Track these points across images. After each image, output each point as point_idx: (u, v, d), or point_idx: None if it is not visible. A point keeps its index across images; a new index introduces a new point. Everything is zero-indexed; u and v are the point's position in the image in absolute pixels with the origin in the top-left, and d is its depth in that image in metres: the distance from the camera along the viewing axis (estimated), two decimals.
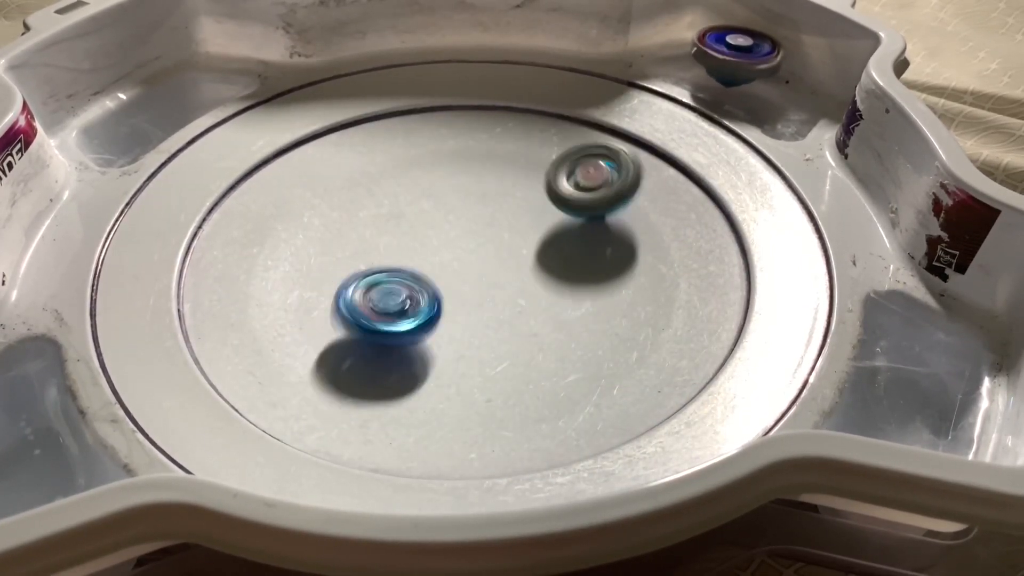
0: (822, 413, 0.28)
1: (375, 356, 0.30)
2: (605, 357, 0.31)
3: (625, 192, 0.34)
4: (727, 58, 0.41)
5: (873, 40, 0.38)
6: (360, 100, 0.41)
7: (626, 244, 0.35)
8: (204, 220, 0.35)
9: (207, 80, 0.42)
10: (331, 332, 0.31)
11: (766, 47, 0.42)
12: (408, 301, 0.30)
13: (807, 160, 0.38)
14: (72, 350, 0.29)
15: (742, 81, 0.42)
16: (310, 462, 0.27)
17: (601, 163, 0.35)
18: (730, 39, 0.42)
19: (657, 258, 0.34)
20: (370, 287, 0.30)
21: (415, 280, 0.31)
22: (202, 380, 0.29)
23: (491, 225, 0.36)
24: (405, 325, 0.29)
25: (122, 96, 0.40)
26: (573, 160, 0.35)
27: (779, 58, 0.41)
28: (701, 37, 0.42)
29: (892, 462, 0.22)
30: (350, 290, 0.30)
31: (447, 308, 0.32)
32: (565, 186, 0.35)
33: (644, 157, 0.39)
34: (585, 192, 0.34)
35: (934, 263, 0.32)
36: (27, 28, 0.37)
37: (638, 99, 0.42)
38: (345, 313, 0.29)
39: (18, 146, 0.33)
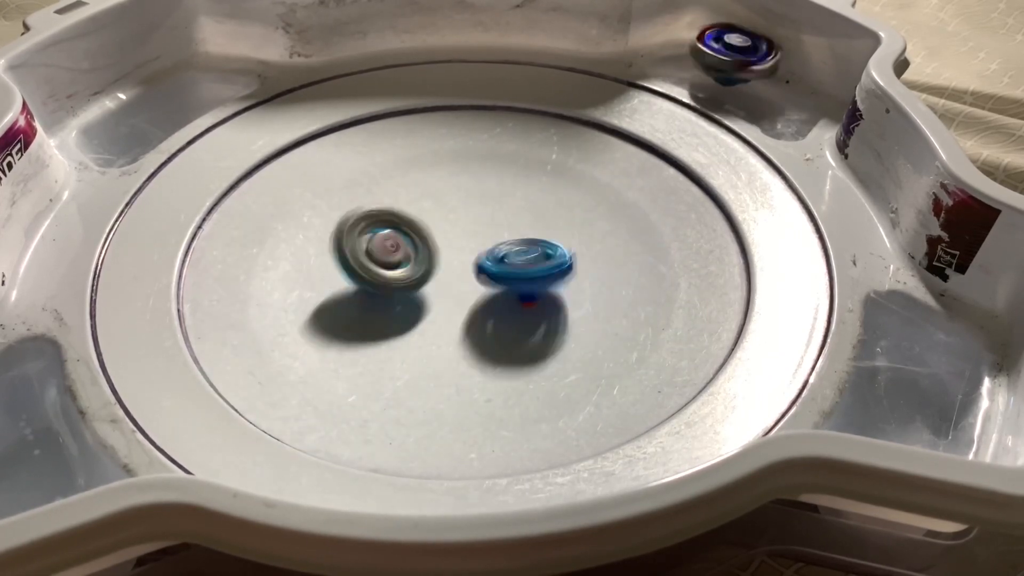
0: (822, 413, 0.28)
1: (377, 353, 0.30)
2: (605, 357, 0.30)
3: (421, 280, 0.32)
4: (717, 55, 0.41)
5: (873, 40, 0.38)
6: (360, 100, 0.41)
7: (626, 244, 0.35)
8: (204, 220, 0.35)
9: (207, 80, 0.42)
10: (332, 331, 0.31)
11: (763, 48, 0.42)
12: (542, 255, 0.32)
13: (807, 160, 0.38)
14: (72, 350, 0.29)
15: (737, 81, 0.42)
16: (310, 462, 0.27)
17: (398, 236, 0.32)
18: (728, 38, 0.42)
19: (657, 258, 0.34)
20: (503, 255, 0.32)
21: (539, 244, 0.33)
22: (202, 380, 0.29)
23: (491, 225, 0.36)
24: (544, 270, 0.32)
25: (122, 96, 0.40)
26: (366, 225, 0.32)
27: (773, 60, 0.41)
28: (700, 35, 0.42)
29: (892, 462, 0.22)
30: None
31: (447, 307, 0.32)
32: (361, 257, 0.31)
33: (644, 157, 0.39)
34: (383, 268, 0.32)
35: (934, 263, 0.32)
36: (27, 28, 0.37)
37: (638, 99, 0.42)
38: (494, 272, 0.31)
39: (18, 146, 0.33)
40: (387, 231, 0.32)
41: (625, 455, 0.27)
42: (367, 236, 0.32)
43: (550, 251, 0.32)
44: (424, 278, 0.32)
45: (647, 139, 0.39)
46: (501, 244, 0.32)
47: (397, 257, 0.32)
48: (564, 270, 0.31)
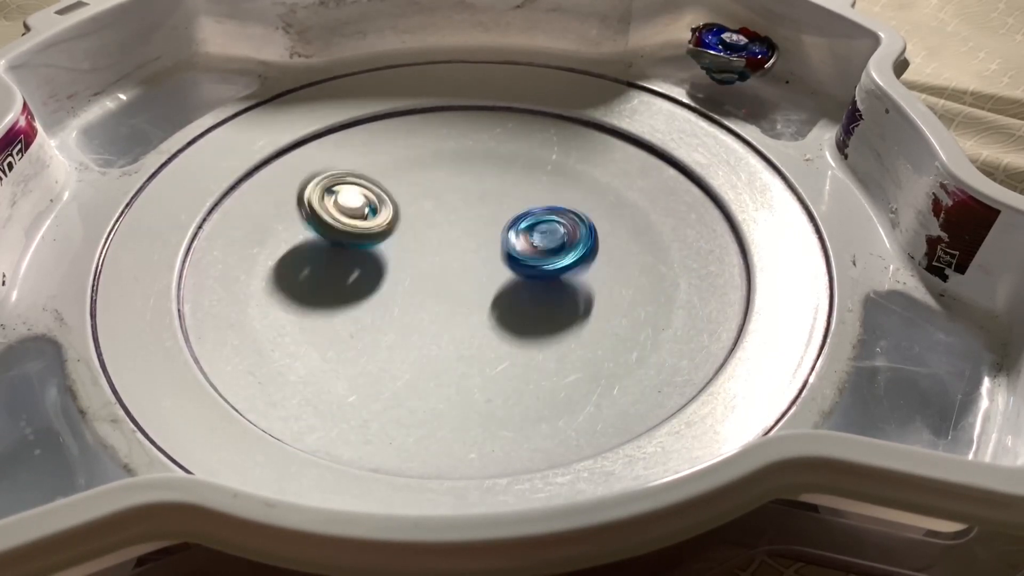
0: (822, 413, 0.28)
1: (377, 353, 0.30)
2: (605, 357, 0.31)
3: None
4: (706, 50, 0.41)
5: (873, 40, 0.38)
6: (360, 100, 0.41)
7: (626, 244, 0.35)
8: (204, 220, 0.35)
9: (207, 80, 0.42)
10: (332, 331, 0.31)
11: (760, 48, 0.42)
12: (566, 236, 0.32)
13: (807, 160, 0.38)
14: (72, 350, 0.29)
15: (732, 74, 0.41)
16: (310, 462, 0.27)
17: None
18: (725, 36, 0.42)
19: (657, 258, 0.34)
20: (530, 228, 0.33)
21: (568, 215, 0.33)
22: (202, 380, 0.29)
23: (491, 225, 0.36)
24: (568, 259, 0.32)
25: (122, 96, 0.40)
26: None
27: (759, 60, 0.41)
28: (699, 29, 0.42)
29: (892, 462, 0.22)
30: (511, 236, 0.32)
31: (448, 307, 0.32)
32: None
33: (644, 157, 0.39)
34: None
35: (934, 263, 0.32)
36: (27, 28, 0.37)
37: (638, 99, 0.42)
38: (515, 256, 0.32)
39: (18, 146, 0.33)
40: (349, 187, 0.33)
41: (625, 455, 0.27)
42: (331, 196, 0.33)
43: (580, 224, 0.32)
44: (390, 229, 0.33)
45: (647, 139, 0.39)
46: (530, 212, 0.33)
47: (362, 210, 0.33)
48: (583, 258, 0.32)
